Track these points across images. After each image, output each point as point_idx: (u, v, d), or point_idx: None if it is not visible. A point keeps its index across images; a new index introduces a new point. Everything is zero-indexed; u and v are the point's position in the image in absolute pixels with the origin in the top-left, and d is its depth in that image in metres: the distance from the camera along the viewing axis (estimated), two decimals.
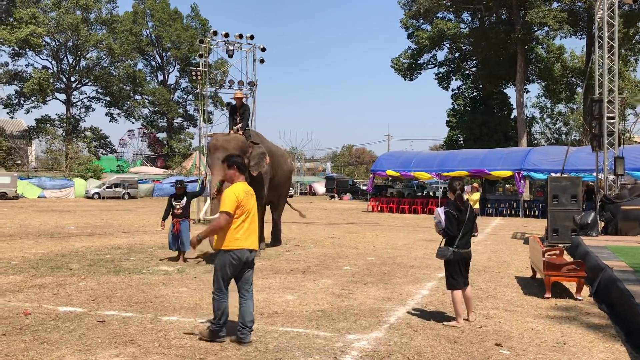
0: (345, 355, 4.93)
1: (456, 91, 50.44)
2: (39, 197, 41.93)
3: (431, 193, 38.41)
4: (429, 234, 16.66)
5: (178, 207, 10.74)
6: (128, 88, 62.56)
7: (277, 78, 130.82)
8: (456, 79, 50.66)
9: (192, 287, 7.97)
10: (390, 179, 38.28)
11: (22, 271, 9.16)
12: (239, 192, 5.16)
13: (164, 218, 10.83)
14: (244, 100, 11.76)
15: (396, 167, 30.82)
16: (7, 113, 58.39)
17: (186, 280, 8.48)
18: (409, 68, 48.56)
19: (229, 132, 11.25)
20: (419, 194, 38.24)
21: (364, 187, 49.89)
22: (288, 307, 6.76)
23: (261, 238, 11.62)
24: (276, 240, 13.28)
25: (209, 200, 11.03)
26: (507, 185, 49.50)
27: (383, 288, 8.04)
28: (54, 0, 56.16)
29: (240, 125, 11.20)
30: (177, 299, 7.09)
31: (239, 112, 11.37)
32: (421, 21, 46.21)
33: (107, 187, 42.01)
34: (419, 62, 48.78)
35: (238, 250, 5.08)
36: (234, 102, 11.74)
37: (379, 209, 30.16)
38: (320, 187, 59.54)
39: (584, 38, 42.97)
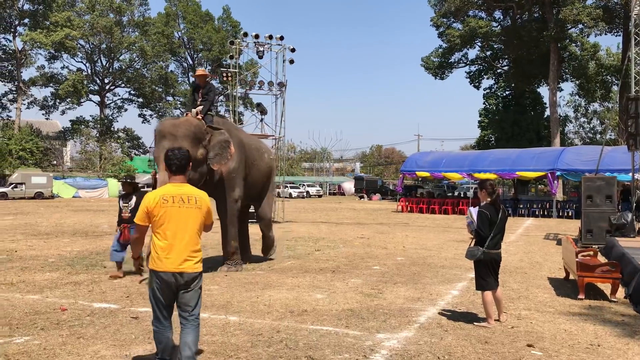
0: (375, 353, 4.94)
1: (488, 90, 49.90)
2: (73, 196, 42.90)
3: (462, 193, 38.06)
4: (459, 234, 16.52)
5: (125, 209, 8.67)
6: (160, 89, 63.49)
7: (306, 79, 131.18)
8: (488, 78, 50.14)
9: (223, 285, 8.07)
10: (420, 179, 38.08)
11: (59, 268, 9.39)
12: (150, 198, 4.06)
13: (119, 223, 8.74)
14: (208, 79, 9.67)
15: (426, 167, 30.62)
16: (43, 114, 59.93)
17: (217, 278, 8.58)
18: (439, 67, 48.24)
19: (186, 114, 9.24)
20: (450, 194, 37.93)
21: (393, 187, 49.79)
22: (318, 305, 6.79)
23: (245, 249, 10.34)
24: (267, 250, 10.98)
25: None
26: (539, 186, 48.76)
27: (413, 288, 8.01)
28: (88, 4, 57.38)
29: (200, 107, 9.03)
30: (208, 297, 7.18)
31: (201, 93, 9.27)
32: (452, 20, 45.84)
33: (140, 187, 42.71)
34: (449, 60, 48.42)
35: (161, 272, 3.97)
36: (195, 82, 9.82)
37: (409, 209, 30.02)
38: (349, 187, 59.53)
39: (620, 35, 42.03)
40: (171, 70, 65.19)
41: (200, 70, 9.66)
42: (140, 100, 63.79)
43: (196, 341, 4.10)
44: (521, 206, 28.05)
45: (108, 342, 5.14)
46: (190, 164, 4.24)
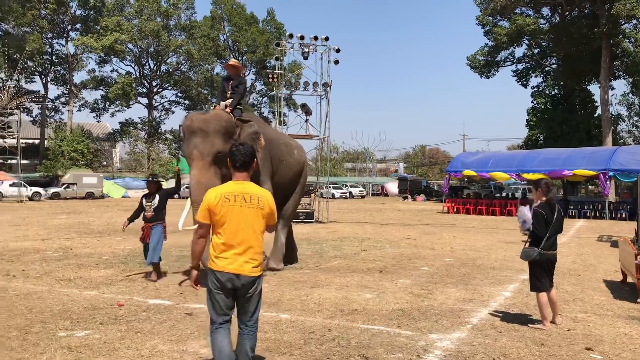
0: (428, 354, 4.90)
1: (536, 89, 48.82)
2: (123, 196, 44.05)
3: (510, 194, 37.34)
4: (508, 235, 16.22)
5: (148, 208, 8.49)
6: (206, 91, 64.49)
7: (349, 79, 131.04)
8: (536, 76, 49.07)
9: (273, 283, 8.14)
10: (466, 179, 37.54)
11: (113, 266, 9.65)
12: (211, 196, 3.83)
13: (130, 219, 8.67)
14: (240, 71, 9.09)
15: (473, 167, 30.15)
16: (94, 117, 61.75)
17: (265, 277, 8.66)
18: (485, 65, 47.47)
19: (214, 108, 8.75)
20: (497, 195, 37.24)
21: (438, 188, 49.22)
22: (367, 305, 6.77)
23: (291, 248, 10.02)
24: (277, 260, 9.41)
25: (187, 204, 8.18)
26: (590, 187, 47.37)
27: (463, 289, 7.90)
28: (137, 8, 58.84)
29: (229, 101, 8.51)
30: None
31: (231, 85, 8.71)
32: (498, 18, 45.03)
33: (186, 187, 43.47)
34: (496, 59, 47.58)
35: (218, 272, 3.76)
36: (226, 74, 9.14)
37: (455, 210, 29.62)
38: (392, 188, 59.18)
39: None
40: (217, 73, 66.08)
41: (232, 61, 9.08)
42: (187, 102, 64.97)
43: (254, 347, 3.94)
44: (571, 207, 27.31)
45: (165, 337, 5.26)
46: (255, 161, 4.02)
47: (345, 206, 34.72)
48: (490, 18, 45.26)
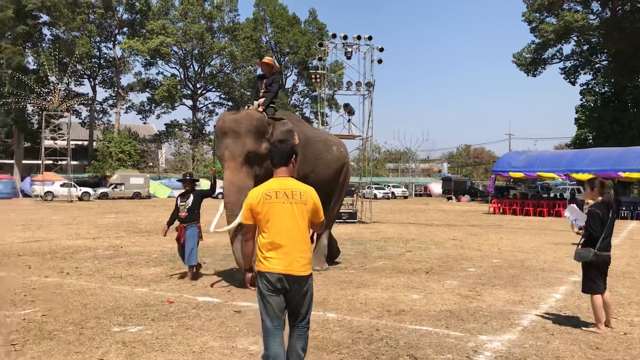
0: (479, 355, 4.83)
1: (585, 86, 47.47)
2: (168, 196, 44.92)
3: (558, 195, 36.43)
4: (558, 236, 15.84)
5: (183, 207, 8.35)
6: (249, 93, 65.13)
7: (391, 78, 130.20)
8: (585, 74, 47.66)
9: (318, 282, 8.14)
10: (512, 179, 36.79)
11: (162, 264, 9.86)
12: (252, 195, 3.71)
13: (169, 223, 8.52)
14: (275, 70, 8.75)
15: (520, 167, 29.53)
16: (140, 119, 63.16)
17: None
18: (532, 63, 46.45)
19: (248, 107, 8.54)
20: (545, 195, 36.38)
21: (483, 189, 48.44)
22: (415, 305, 6.72)
23: (331, 246, 9.84)
24: (319, 261, 9.24)
25: (222, 205, 8.02)
26: None
27: (513, 291, 7.75)
28: (181, 11, 59.97)
29: (262, 99, 8.30)
30: None
31: (264, 83, 8.50)
32: (545, 14, 43.99)
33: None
34: (543, 56, 46.47)
35: (268, 273, 3.59)
36: (260, 72, 8.92)
37: (501, 211, 29.08)
38: (436, 188, 58.55)
39: None
40: (259, 74, 66.73)
41: (266, 59, 8.76)
42: (230, 103, 65.75)
43: (306, 348, 3.76)
44: (623, 208, 26.45)
45: (214, 333, 5.34)
46: (295, 157, 3.89)
47: (388, 207, 34.54)
48: (537, 14, 44.24)
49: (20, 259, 10.21)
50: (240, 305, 6.52)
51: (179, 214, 8.32)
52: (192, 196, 8.36)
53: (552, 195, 37.17)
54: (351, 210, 20.60)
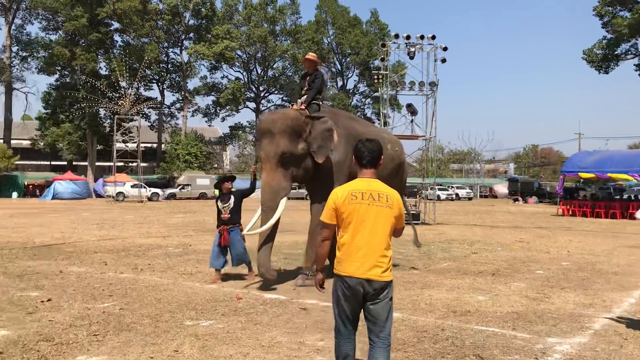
0: (547, 357, 4.76)
1: None
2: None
3: (632, 196, 34.87)
4: (632, 240, 15.22)
5: (225, 209, 8.13)
6: None
7: (455, 77, 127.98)
8: None
9: None
10: (582, 180, 35.49)
11: (229, 261, 10.11)
12: (338, 194, 3.55)
13: (218, 226, 8.25)
14: (318, 66, 8.52)
15: (591, 167, 28.42)
16: (206, 122, 64.95)
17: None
18: (603, 59, 44.63)
19: (291, 106, 8.37)
20: (617, 197, 34.91)
21: (551, 190, 46.93)
22: (480, 307, 6.66)
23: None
24: None
25: (259, 209, 7.84)
26: None
27: (583, 294, 7.54)
28: (245, 16, 61.25)
29: (304, 97, 8.12)
30: None
31: (307, 80, 8.32)
32: (618, 8, 42.20)
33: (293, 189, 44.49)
34: (615, 52, 44.58)
35: (347, 277, 3.46)
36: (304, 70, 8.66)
37: (570, 212, 28.14)
38: (501, 190, 57.18)
39: None
40: None
41: (309, 55, 8.52)
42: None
43: None
44: None
45: (282, 329, 5.49)
46: (382, 157, 3.72)
47: (451, 208, 34.06)
48: (610, 8, 42.51)
49: (97, 255, 10.75)
50: (306, 303, 6.65)
51: (222, 215, 8.12)
52: (232, 197, 8.17)
53: (625, 196, 35.61)
54: (414, 212, 20.47)
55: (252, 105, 65.95)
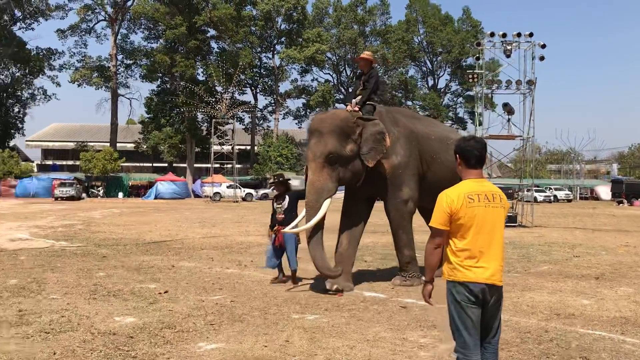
0: None
1: None
2: None
3: None
4: None
5: (279, 210, 8.12)
6: (400, 94, 65.46)
7: (552, 74, 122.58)
8: None
9: None
10: None
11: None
12: (453, 198, 3.40)
13: (272, 226, 8.26)
14: (373, 65, 8.25)
15: None
16: (296, 124, 66.22)
17: None
18: None
19: (346, 107, 8.09)
20: None
21: None
22: (585, 310, 6.52)
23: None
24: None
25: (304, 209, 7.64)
26: None
27: None
28: (335, 18, 61.97)
29: (359, 98, 7.89)
30: None
31: (362, 80, 8.09)
32: None
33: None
34: None
35: (471, 283, 3.33)
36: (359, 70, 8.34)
37: None
38: (604, 192, 54.22)
39: None
40: (411, 76, 66.77)
41: (364, 54, 8.27)
42: (382, 106, 66.46)
43: None
44: None
45: (384, 325, 5.68)
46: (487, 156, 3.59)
47: (549, 210, 32.81)
48: None
49: (204, 252, 11.42)
50: (406, 302, 6.80)
51: (277, 216, 8.10)
52: (287, 198, 8.13)
53: None
54: (511, 214, 19.96)
55: (342, 106, 66.35)
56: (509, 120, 20.60)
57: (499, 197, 3.46)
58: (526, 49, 20.15)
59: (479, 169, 3.52)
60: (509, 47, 19.66)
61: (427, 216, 8.67)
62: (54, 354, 4.66)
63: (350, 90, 8.10)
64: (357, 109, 7.76)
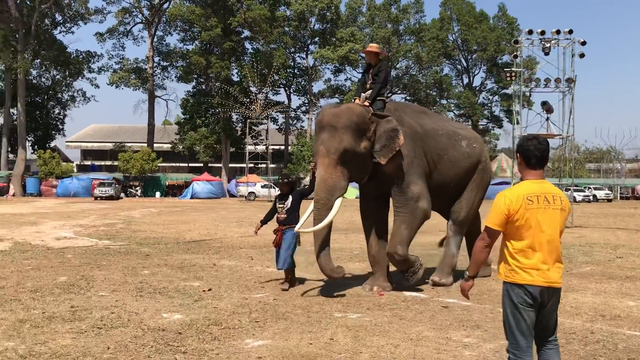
0: None
1: None
2: (356, 197, 46.38)
3: None
4: None
5: (281, 210, 7.87)
6: (434, 93, 65.00)
7: (595, 72, 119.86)
8: None
9: None
10: None
11: (364, 260, 10.35)
12: (511, 199, 3.38)
13: (263, 221, 8.26)
14: (381, 56, 8.03)
15: None
16: None
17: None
18: None
19: (354, 100, 7.78)
20: None
21: None
22: (631, 312, 6.42)
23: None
24: (443, 272, 8.12)
25: (311, 205, 7.35)
26: None
27: None
28: (369, 17, 61.88)
29: (368, 92, 7.60)
30: None
31: (371, 73, 7.77)
32: None
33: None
34: None
35: (529, 286, 3.32)
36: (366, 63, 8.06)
37: None
38: None
39: None
40: (445, 74, 66.21)
41: (371, 46, 7.94)
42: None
43: None
44: None
45: (427, 325, 5.71)
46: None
47: (589, 210, 32.13)
48: None
49: (243, 251, 11.61)
50: (447, 302, 6.81)
51: (278, 215, 7.88)
52: (290, 197, 7.88)
53: None
54: None
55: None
56: (547, 118, 20.30)
57: (560, 198, 3.42)
58: (565, 46, 19.82)
59: (540, 169, 3.48)
60: (547, 45, 19.35)
61: (449, 220, 8.48)
62: (108, 348, 4.83)
63: (360, 84, 7.76)
64: (367, 104, 7.47)
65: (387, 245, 7.57)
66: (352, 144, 7.01)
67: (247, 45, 57.12)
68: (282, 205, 7.84)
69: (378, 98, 7.58)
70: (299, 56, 63.44)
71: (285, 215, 7.75)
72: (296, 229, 7.41)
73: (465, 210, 8.29)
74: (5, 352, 4.68)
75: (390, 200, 7.76)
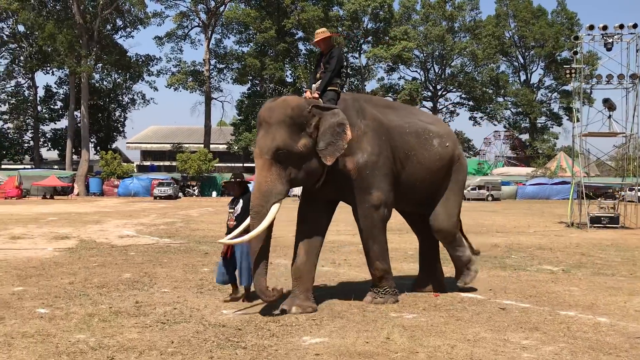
0: None
1: None
2: None
3: None
4: None
5: (231, 216, 6.84)
6: (491, 91, 63.72)
7: None
8: None
9: (583, 287, 7.93)
10: None
11: (415, 260, 10.42)
12: None
13: (228, 232, 6.81)
14: (335, 40, 6.87)
15: None
16: None
17: (574, 281, 8.46)
18: None
19: (305, 93, 6.81)
20: None
21: None
22: None
23: (433, 271, 7.76)
24: (457, 274, 7.67)
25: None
26: None
27: None
28: (423, 15, 61.27)
29: (318, 83, 6.68)
30: (570, 296, 7.20)
31: (322, 63, 6.85)
32: None
33: (472, 189, 43.42)
34: None
35: None
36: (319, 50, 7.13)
37: None
38: None
39: None
40: (502, 71, 64.86)
41: (318, 33, 6.95)
42: (471, 103, 65.06)
43: None
44: None
45: (484, 326, 5.67)
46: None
47: None
48: None
49: None
50: (505, 304, 6.73)
51: (227, 222, 6.89)
52: (241, 201, 6.79)
53: None
54: (612, 215, 19.01)
55: (429, 104, 65.61)
56: (610, 116, 19.61)
57: None
58: (629, 42, 19.10)
59: None
60: (609, 40, 18.67)
61: (411, 221, 8.11)
62: (172, 342, 5.03)
63: (312, 74, 7.08)
64: (316, 95, 6.52)
65: (367, 262, 6.91)
66: (286, 142, 6.06)
67: (301, 46, 57.66)
68: (231, 211, 6.84)
69: (329, 88, 6.60)
70: (352, 55, 63.42)
71: (235, 222, 6.66)
72: (219, 241, 6.76)
73: (444, 217, 7.28)
74: (77, 344, 4.96)
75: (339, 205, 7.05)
